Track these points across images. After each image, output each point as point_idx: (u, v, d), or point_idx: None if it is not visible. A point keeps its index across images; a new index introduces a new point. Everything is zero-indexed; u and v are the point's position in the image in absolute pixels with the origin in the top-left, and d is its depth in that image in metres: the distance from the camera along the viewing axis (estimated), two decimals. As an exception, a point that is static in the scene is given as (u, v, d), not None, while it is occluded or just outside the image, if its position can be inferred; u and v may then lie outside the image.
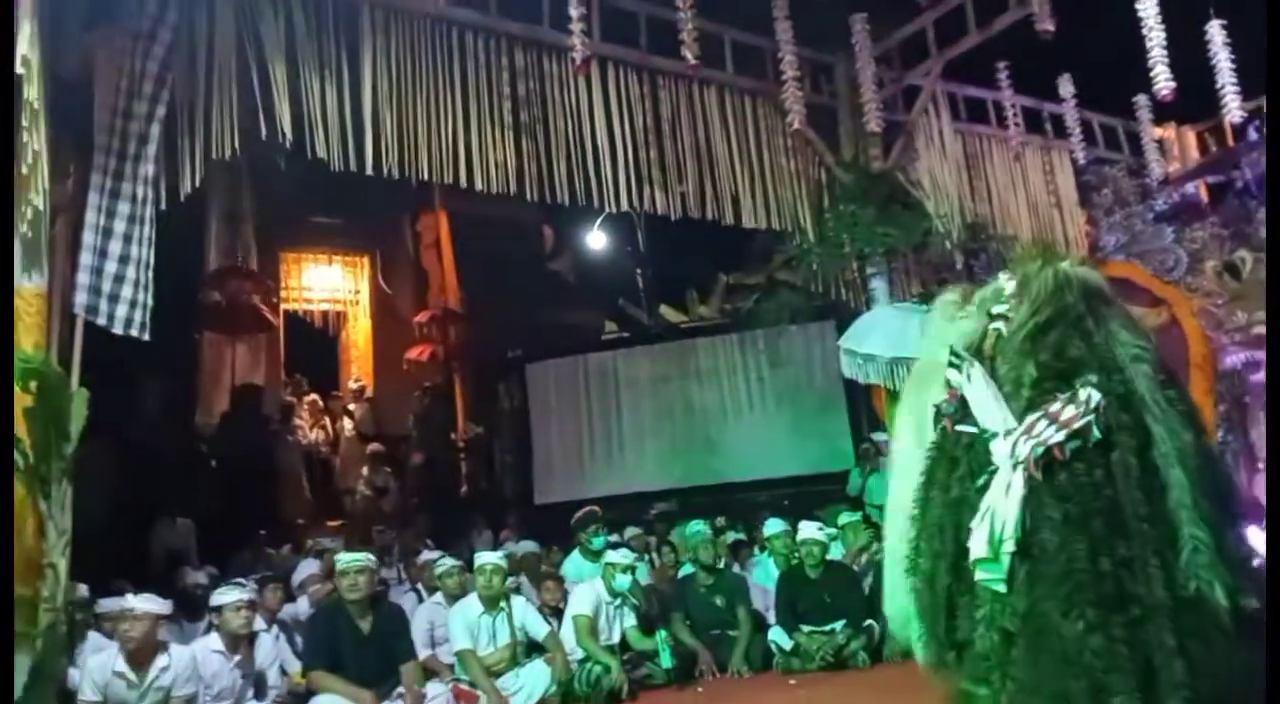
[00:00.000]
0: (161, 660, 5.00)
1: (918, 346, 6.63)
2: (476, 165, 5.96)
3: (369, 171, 5.60)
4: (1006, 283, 2.96)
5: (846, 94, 7.64)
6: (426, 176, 5.82)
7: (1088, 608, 2.50)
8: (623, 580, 6.24)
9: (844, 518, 7.72)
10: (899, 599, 2.99)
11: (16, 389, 4.62)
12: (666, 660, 6.04)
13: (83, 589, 5.34)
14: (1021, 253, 3.08)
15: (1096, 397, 2.64)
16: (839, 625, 6.38)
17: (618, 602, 6.29)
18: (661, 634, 6.17)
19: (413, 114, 5.78)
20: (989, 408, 2.78)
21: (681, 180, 6.82)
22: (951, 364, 2.87)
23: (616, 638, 6.24)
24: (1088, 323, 2.80)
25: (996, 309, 2.94)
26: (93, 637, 5.51)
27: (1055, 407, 2.66)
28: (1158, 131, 9.23)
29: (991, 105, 8.42)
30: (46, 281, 4.89)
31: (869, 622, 6.39)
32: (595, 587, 6.28)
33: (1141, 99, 8.83)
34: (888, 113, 7.49)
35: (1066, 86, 8.55)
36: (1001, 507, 2.66)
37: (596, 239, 14.37)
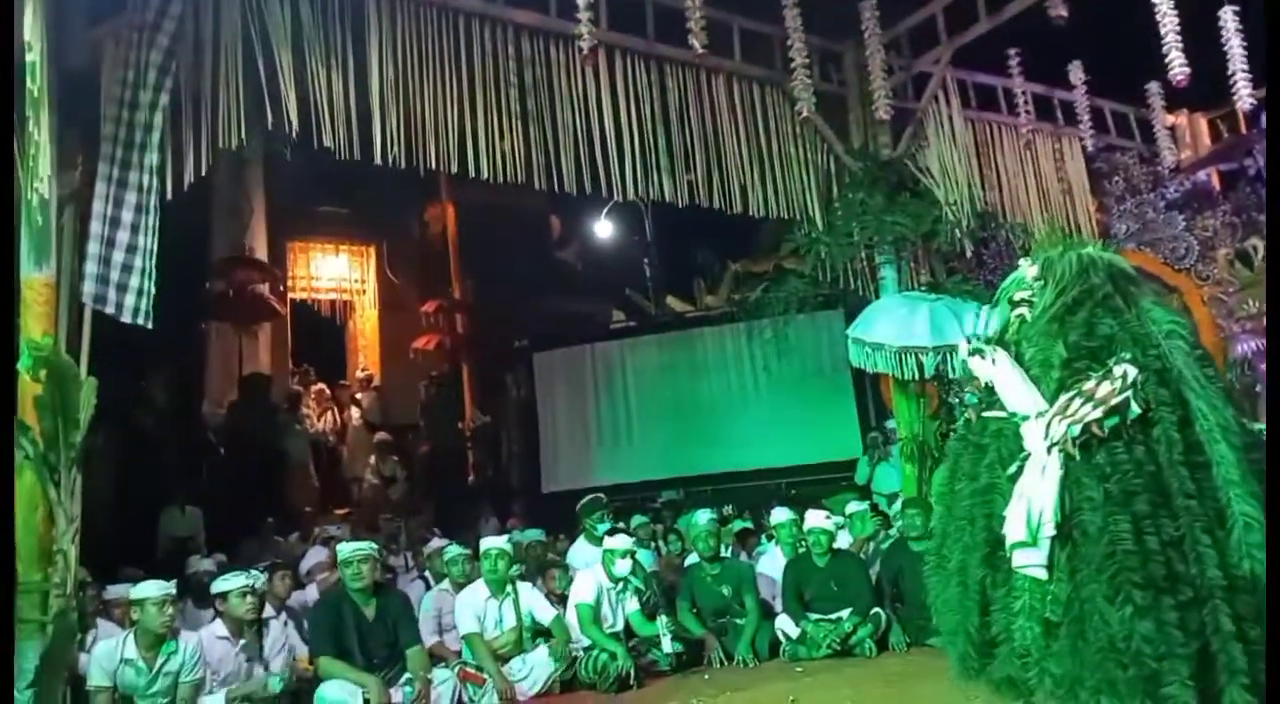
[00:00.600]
0: (169, 646, 5.05)
1: (926, 336, 6.64)
2: (483, 154, 5.93)
3: (375, 161, 5.59)
4: (1027, 269, 2.91)
5: (855, 82, 7.58)
6: (433, 166, 5.80)
7: (1135, 590, 2.39)
8: (622, 566, 6.24)
9: (851, 506, 7.71)
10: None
11: (26, 378, 4.65)
12: (667, 647, 6.06)
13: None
14: (1043, 239, 3.03)
15: (1133, 372, 2.57)
16: (846, 614, 6.39)
17: (619, 587, 6.30)
18: (662, 620, 6.18)
19: (419, 103, 5.76)
20: (1018, 391, 2.72)
21: (689, 169, 6.79)
22: (974, 351, 2.82)
23: (621, 624, 6.25)
24: (1116, 301, 2.75)
25: (1018, 295, 2.89)
26: (102, 624, 5.55)
27: (1090, 385, 2.60)
28: (1170, 118, 9.16)
29: (1002, 92, 8.35)
30: (55, 271, 4.90)
31: (876, 610, 6.40)
32: (596, 574, 6.29)
33: (1153, 86, 8.76)
34: (897, 100, 7.43)
35: (1077, 73, 8.48)
36: (1038, 490, 2.57)
37: (604, 228, 14.38)
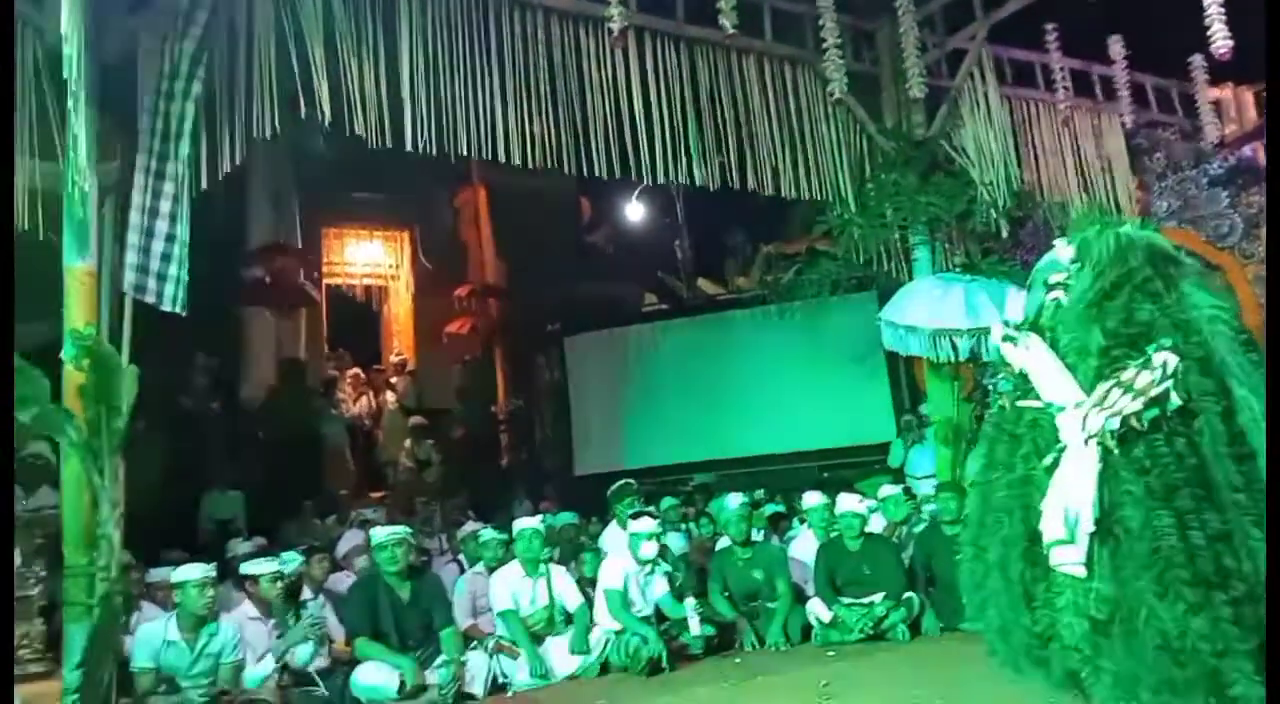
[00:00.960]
0: (210, 628, 5.16)
1: (960, 317, 6.56)
2: (513, 140, 5.93)
3: (406, 149, 5.62)
4: (1062, 250, 2.80)
5: (889, 60, 7.47)
6: (464, 152, 5.81)
7: (1185, 587, 2.31)
8: (648, 549, 6.27)
9: (884, 490, 7.67)
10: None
11: (69, 367, 4.74)
12: (695, 629, 6.09)
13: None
14: (1079, 218, 2.91)
15: (1174, 361, 2.46)
16: (878, 598, 6.37)
17: (646, 571, 6.32)
18: (690, 603, 6.21)
19: (449, 90, 5.76)
20: (1053, 380, 2.61)
21: (720, 151, 6.74)
22: (1006, 338, 2.72)
23: (651, 608, 6.28)
24: (1156, 284, 2.62)
25: (1053, 278, 2.78)
26: (145, 606, 5.68)
27: (1128, 374, 2.48)
28: (1213, 92, 8.92)
29: (1039, 68, 8.18)
30: (96, 261, 4.99)
31: (909, 594, 6.38)
32: (623, 558, 6.32)
33: (1196, 59, 8.53)
34: (931, 79, 7.31)
35: (1117, 48, 8.29)
36: (1075, 485, 2.45)
37: (635, 211, 14.33)
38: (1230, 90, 9.52)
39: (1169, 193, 9.14)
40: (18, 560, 5.32)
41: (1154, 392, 2.45)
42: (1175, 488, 2.40)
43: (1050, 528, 2.50)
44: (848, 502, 6.79)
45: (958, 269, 7.22)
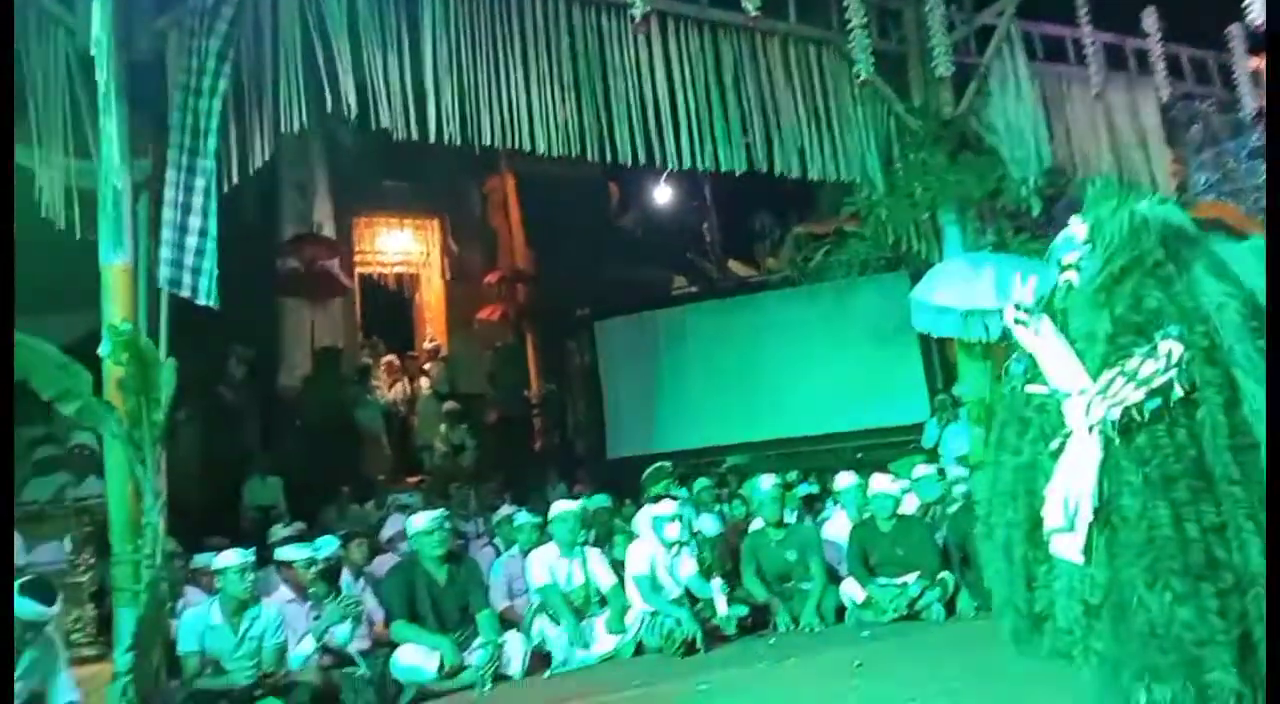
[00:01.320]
0: (253, 612, 5.30)
1: (992, 297, 6.49)
2: (538, 128, 5.95)
3: (431, 140, 5.66)
4: (1077, 228, 2.77)
5: (915, 38, 7.35)
6: (488, 142, 5.84)
7: (1173, 577, 2.35)
8: (671, 531, 6.32)
9: (918, 470, 7.65)
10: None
11: (108, 362, 4.86)
12: (722, 609, 6.14)
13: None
14: (1094, 194, 2.86)
15: (1179, 350, 2.45)
16: (912, 578, 6.37)
17: (673, 552, 6.37)
18: (717, 582, 6.27)
19: (473, 80, 5.78)
20: (1060, 366, 2.61)
21: (746, 134, 6.70)
22: (1018, 320, 2.71)
23: (681, 589, 6.33)
24: (1167, 269, 2.59)
25: (1067, 258, 2.76)
26: (190, 591, 5.83)
27: (1133, 363, 2.47)
28: (1252, 62, 8.70)
29: (1070, 43, 8.03)
30: (132, 257, 5.10)
31: (943, 574, 6.38)
32: (648, 543, 6.38)
33: (1234, 29, 8.33)
34: (959, 56, 7.20)
35: (1151, 20, 8.11)
36: (1077, 472, 2.49)
37: (663, 194, 14.30)
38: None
39: (1207, 166, 8.97)
40: (68, 548, 5.50)
41: (1157, 381, 2.44)
42: (1173, 479, 2.42)
43: (1051, 516, 2.53)
44: (880, 482, 6.80)
45: (989, 248, 7.14)
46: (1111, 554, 2.47)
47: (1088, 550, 2.50)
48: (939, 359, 10.27)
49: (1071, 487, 2.51)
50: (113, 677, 4.73)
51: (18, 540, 5.50)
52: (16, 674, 4.26)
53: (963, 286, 6.69)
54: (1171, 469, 2.43)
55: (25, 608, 4.19)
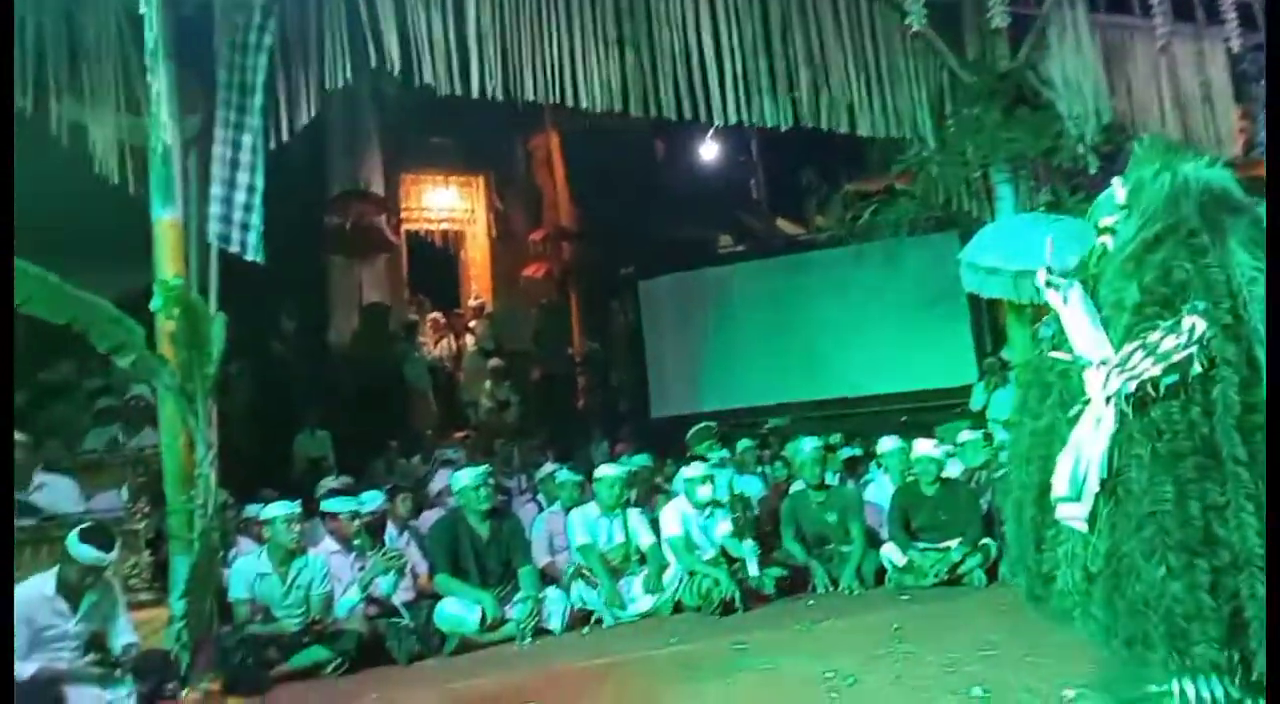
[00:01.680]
0: (300, 561, 5.44)
1: (1045, 259, 6.33)
2: (581, 84, 5.89)
3: (474, 95, 5.63)
4: (1118, 190, 2.69)
5: (970, -12, 7.13)
6: (531, 97, 5.79)
7: (1169, 552, 2.37)
8: (704, 492, 6.33)
9: (963, 435, 7.56)
10: None
11: (160, 316, 4.96)
12: (753, 570, 6.15)
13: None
14: (1139, 154, 2.77)
15: (1201, 326, 2.41)
16: (954, 543, 6.33)
17: (707, 513, 6.39)
18: (749, 543, 6.27)
19: (516, 35, 5.73)
20: (1085, 334, 2.58)
21: (793, 89, 6.56)
22: (1049, 283, 2.66)
23: (717, 549, 6.34)
24: (1201, 238, 2.53)
25: (1104, 221, 2.69)
26: (242, 541, 6.00)
27: (1154, 336, 2.45)
28: (1334, 10, 8.27)
29: (1136, -8, 7.70)
30: (182, 213, 5.17)
31: (986, 540, 6.31)
32: (681, 504, 6.40)
33: (1314, -27, 7.91)
34: (1015, 7, 6.95)
35: (1224, -35, 7.73)
36: (1089, 442, 2.49)
37: (709, 151, 14.08)
38: (1351, 7, 8.82)
39: (1278, 121, 8.58)
40: (124, 496, 5.68)
41: (1177, 357, 2.41)
42: (1182, 456, 2.42)
43: (1058, 483, 2.52)
44: (924, 446, 6.73)
45: (1043, 208, 6.94)
46: (1113, 525, 2.50)
47: (1092, 519, 2.51)
48: (989, 321, 10.07)
49: (1082, 455, 2.50)
50: (168, 621, 4.90)
51: (76, 488, 5.70)
52: (77, 617, 4.44)
53: (1014, 247, 6.51)
54: (1181, 446, 2.43)
55: (84, 553, 4.35)
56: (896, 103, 6.86)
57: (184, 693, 4.68)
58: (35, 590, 4.45)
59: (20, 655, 4.28)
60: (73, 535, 4.43)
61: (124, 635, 4.64)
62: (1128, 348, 2.50)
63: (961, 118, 6.95)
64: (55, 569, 4.47)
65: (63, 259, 4.83)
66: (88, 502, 5.70)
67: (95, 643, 4.53)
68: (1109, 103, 7.22)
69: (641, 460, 8.26)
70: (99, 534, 4.44)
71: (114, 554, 4.49)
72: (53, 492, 5.58)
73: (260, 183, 5.30)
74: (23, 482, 5.47)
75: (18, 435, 5.56)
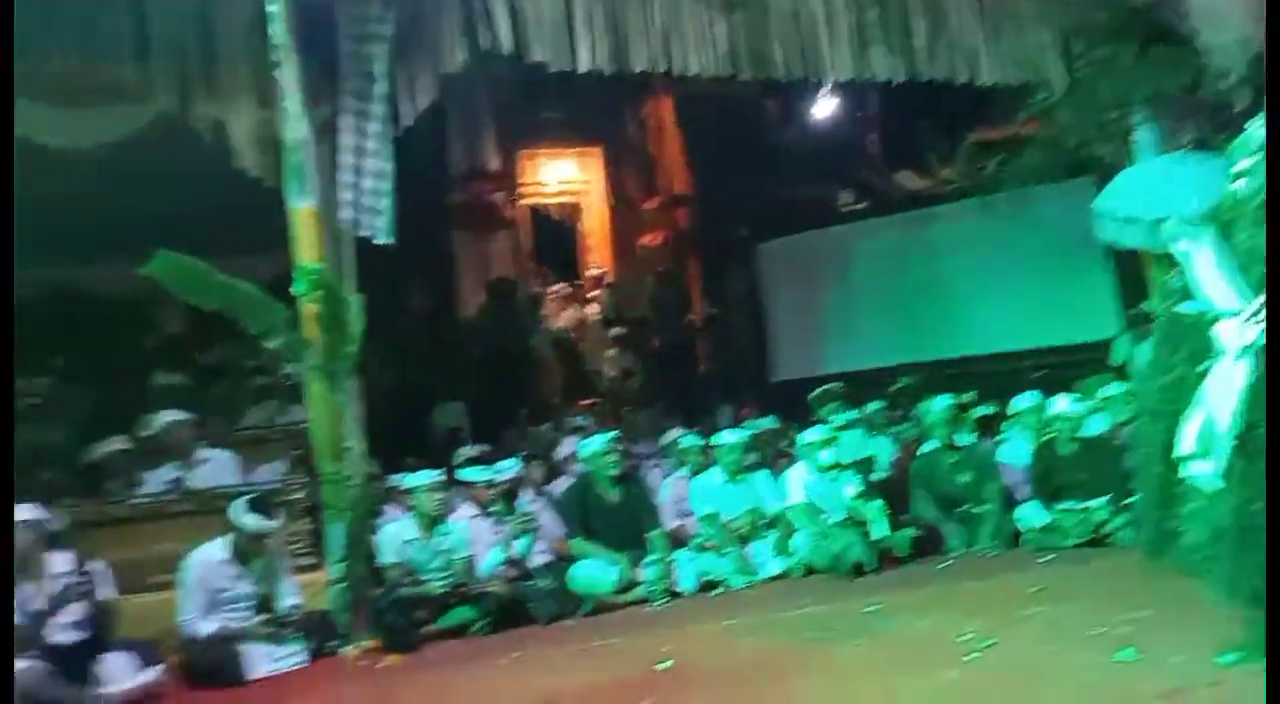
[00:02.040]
0: (443, 527, 5.72)
1: (1190, 203, 5.95)
2: (690, 50, 5.85)
3: (582, 70, 5.69)
4: (1256, 131, 2.49)
5: (1100, -85, 6.68)
6: (640, 68, 5.81)
7: None
8: (825, 456, 6.27)
9: (1106, 390, 7.23)
10: None
11: (302, 300, 5.27)
12: (875, 532, 6.06)
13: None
14: None
15: None
16: (1096, 503, 6.09)
17: (830, 477, 6.33)
18: (875, 505, 6.18)
19: (623, 6, 5.74)
20: (1218, 284, 2.43)
21: (908, 39, 6.34)
22: (1180, 232, 2.50)
23: (844, 512, 6.29)
24: None
25: (1240, 165, 2.50)
26: (390, 509, 6.33)
27: None
28: None
29: (1291, -95, 7.05)
30: (317, 200, 5.45)
31: (1132, 499, 6.05)
32: (802, 470, 6.36)
33: None
34: (1151, -67, 6.50)
35: None
36: (1220, 396, 2.34)
37: (824, 108, 13.73)
38: None
39: None
40: (282, 469, 6.09)
41: None
42: None
43: (1185, 442, 2.38)
44: (1060, 403, 6.49)
45: (1188, 147, 6.49)
46: (1244, 483, 2.38)
47: (1227, 475, 2.34)
48: (1131, 271, 9.53)
49: (1215, 410, 2.35)
50: (327, 584, 5.25)
51: (236, 461, 6.14)
52: (248, 581, 4.82)
53: (1153, 192, 6.12)
54: None
55: (250, 522, 4.72)
56: (1019, 48, 6.53)
57: (348, 650, 5.02)
58: (209, 556, 4.86)
59: (199, 615, 4.69)
60: (237, 504, 4.80)
61: (289, 597, 5.01)
62: (1261, 298, 2.32)
63: (1092, 58, 6.56)
64: (226, 537, 4.86)
65: (209, 250, 5.20)
66: (249, 475, 6.14)
67: (264, 605, 4.92)
68: (1257, 29, 6.65)
69: (767, 424, 8.26)
70: (262, 504, 4.81)
71: (276, 522, 4.85)
72: (215, 466, 6.03)
73: (388, 168, 5.52)
74: (184, 455, 5.94)
75: (180, 414, 6.05)
